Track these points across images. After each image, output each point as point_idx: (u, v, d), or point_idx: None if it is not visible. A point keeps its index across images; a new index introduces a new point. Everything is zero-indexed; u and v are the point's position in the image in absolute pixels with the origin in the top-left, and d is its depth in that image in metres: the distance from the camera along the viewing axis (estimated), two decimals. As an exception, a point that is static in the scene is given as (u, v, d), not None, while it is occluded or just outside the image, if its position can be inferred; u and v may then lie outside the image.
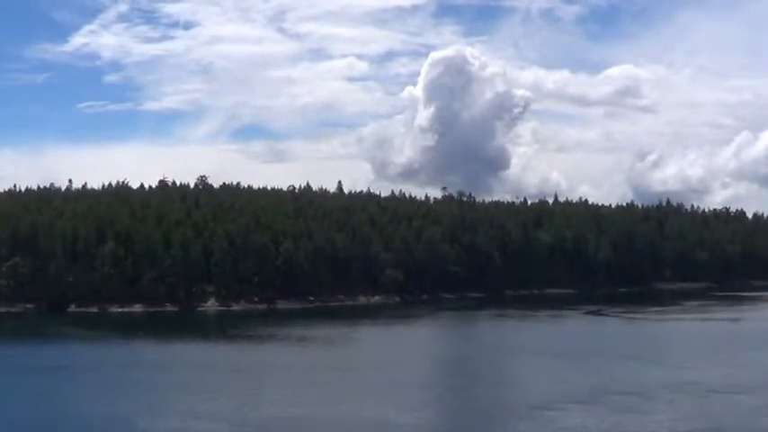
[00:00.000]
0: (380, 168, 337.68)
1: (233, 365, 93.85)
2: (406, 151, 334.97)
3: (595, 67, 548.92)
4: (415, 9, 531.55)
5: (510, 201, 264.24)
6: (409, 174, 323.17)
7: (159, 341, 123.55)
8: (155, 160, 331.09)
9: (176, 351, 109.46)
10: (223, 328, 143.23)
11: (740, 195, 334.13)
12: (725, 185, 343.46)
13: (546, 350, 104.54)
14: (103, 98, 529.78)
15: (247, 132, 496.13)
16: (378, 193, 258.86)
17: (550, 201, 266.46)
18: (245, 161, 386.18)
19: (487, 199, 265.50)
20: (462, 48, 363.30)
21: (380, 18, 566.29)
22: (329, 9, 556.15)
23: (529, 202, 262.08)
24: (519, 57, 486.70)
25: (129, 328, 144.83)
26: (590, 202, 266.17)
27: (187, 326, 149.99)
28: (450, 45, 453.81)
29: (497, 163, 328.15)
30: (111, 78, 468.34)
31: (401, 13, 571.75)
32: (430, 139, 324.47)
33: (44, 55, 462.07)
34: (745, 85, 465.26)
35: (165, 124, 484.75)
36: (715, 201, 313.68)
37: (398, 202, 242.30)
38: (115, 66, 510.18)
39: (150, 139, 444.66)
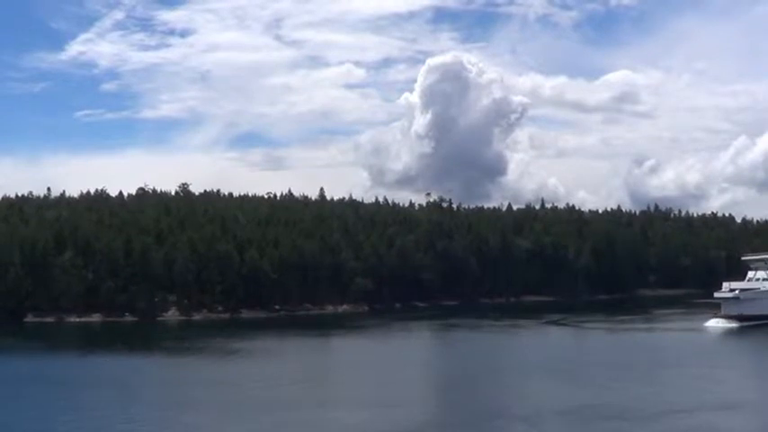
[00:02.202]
0: (377, 175, 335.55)
1: (123, 380, 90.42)
2: (403, 158, 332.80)
3: (593, 73, 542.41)
4: (411, 15, 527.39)
5: (496, 207, 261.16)
6: (406, 181, 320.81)
7: (92, 353, 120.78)
8: (153, 168, 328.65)
9: (89, 364, 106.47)
10: (168, 340, 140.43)
11: (738, 200, 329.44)
12: (722, 191, 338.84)
13: (461, 365, 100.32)
14: (101, 106, 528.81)
15: (245, 140, 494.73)
16: (360, 199, 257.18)
17: (537, 206, 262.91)
18: (244, 169, 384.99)
19: (485, 205, 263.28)
20: (459, 54, 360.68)
21: (377, 25, 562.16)
22: (326, 16, 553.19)
23: (515, 208, 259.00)
24: (516, 63, 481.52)
25: (75, 340, 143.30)
26: (576, 208, 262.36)
27: (137, 337, 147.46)
28: (447, 51, 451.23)
29: (495, 169, 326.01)
30: (108, 87, 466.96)
31: (398, 19, 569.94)
32: (427, 146, 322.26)
33: (41, 63, 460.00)
34: (744, 89, 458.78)
35: (163, 132, 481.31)
36: (713, 206, 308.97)
37: (379, 209, 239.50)
38: (112, 74, 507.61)
39: (148, 147, 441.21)
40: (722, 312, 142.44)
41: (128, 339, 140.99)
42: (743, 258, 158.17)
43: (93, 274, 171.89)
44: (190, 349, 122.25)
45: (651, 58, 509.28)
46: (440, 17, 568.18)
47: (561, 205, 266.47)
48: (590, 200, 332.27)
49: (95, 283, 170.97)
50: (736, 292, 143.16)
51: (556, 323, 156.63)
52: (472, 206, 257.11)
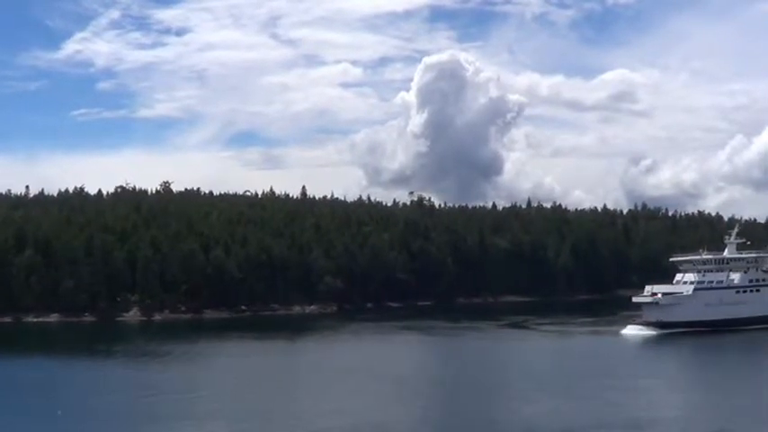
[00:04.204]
0: (373, 175, 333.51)
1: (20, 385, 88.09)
2: (399, 157, 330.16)
3: (590, 72, 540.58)
4: (408, 14, 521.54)
5: (480, 206, 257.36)
6: (402, 180, 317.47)
7: (19, 356, 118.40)
8: (150, 168, 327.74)
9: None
10: (117, 342, 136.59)
11: (734, 199, 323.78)
12: (718, 190, 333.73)
13: (385, 374, 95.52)
14: (97, 105, 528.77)
15: (242, 139, 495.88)
16: (343, 197, 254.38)
17: (523, 205, 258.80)
18: (241, 168, 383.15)
19: (478, 204, 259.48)
20: (456, 53, 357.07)
21: (374, 24, 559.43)
22: (322, 15, 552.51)
23: (500, 207, 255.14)
24: (513, 62, 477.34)
25: (21, 341, 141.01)
26: (563, 206, 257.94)
27: (86, 338, 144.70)
28: (444, 50, 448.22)
29: (491, 168, 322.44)
30: (104, 85, 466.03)
31: (395, 18, 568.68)
32: (423, 145, 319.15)
33: (37, 62, 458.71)
34: (740, 89, 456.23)
35: (160, 131, 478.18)
36: (709, 205, 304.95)
37: (357, 208, 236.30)
38: (108, 73, 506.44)
39: (145, 146, 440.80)
40: (642, 318, 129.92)
41: (71, 341, 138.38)
42: (671, 259, 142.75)
43: (54, 273, 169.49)
44: (127, 352, 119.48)
45: (648, 57, 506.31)
46: (436, 16, 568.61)
47: (557, 204, 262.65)
48: (586, 199, 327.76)
49: (55, 283, 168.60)
50: (658, 296, 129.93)
51: (515, 325, 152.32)
52: (470, 206, 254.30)
